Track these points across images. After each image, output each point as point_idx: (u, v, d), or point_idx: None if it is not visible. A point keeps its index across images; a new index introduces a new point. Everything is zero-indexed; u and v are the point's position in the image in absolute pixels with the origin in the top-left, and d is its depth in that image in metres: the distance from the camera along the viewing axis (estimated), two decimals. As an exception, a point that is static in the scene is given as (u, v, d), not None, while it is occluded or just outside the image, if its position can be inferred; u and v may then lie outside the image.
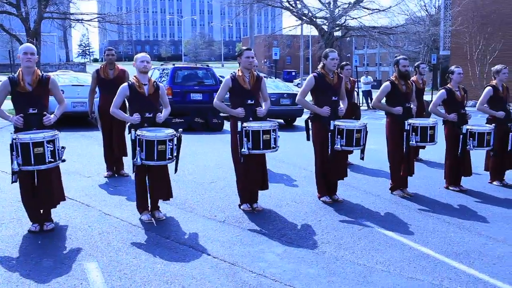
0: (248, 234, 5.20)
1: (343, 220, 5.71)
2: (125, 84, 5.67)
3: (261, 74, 6.43)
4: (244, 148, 5.63)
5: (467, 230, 5.47)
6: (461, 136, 6.95)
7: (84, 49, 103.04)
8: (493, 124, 7.23)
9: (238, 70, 5.99)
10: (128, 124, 5.58)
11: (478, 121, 7.71)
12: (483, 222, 5.79)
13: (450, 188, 7.29)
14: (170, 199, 5.79)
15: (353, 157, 8.79)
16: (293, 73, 64.65)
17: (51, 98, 5.36)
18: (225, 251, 4.71)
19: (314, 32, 30.53)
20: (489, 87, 7.52)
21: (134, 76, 5.65)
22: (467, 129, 6.95)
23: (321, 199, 6.44)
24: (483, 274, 4.29)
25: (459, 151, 7.00)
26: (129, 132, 5.41)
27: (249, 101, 5.85)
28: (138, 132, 5.29)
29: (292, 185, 7.37)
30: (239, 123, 5.66)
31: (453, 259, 4.63)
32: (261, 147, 5.65)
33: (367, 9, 28.04)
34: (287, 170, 8.38)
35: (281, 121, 16.37)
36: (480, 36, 27.61)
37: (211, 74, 14.62)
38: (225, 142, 6.08)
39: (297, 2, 29.00)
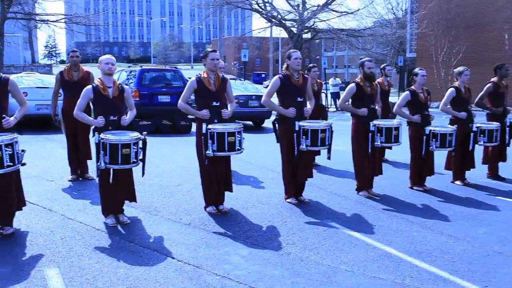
0: (213, 237, 5.18)
1: (309, 221, 5.74)
2: (89, 86, 5.58)
3: (229, 76, 6.44)
4: (209, 150, 5.60)
5: (429, 229, 5.57)
6: (425, 137, 7.08)
7: (50, 50, 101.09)
8: (455, 125, 7.39)
9: (204, 71, 5.97)
10: (93, 127, 5.50)
11: (443, 122, 7.86)
12: (445, 221, 5.90)
13: (414, 188, 7.41)
14: (134, 203, 5.73)
15: (320, 159, 8.86)
16: (263, 75, 64.92)
17: (13, 100, 5.25)
18: (189, 254, 4.67)
19: (284, 34, 30.69)
20: (452, 89, 7.68)
21: (99, 79, 5.56)
22: (430, 130, 7.08)
23: (287, 200, 6.46)
24: (444, 272, 4.37)
25: (423, 152, 7.13)
26: (93, 135, 5.33)
27: (214, 103, 5.83)
28: (102, 135, 5.21)
29: (258, 187, 7.37)
30: (204, 125, 5.63)
31: (415, 257, 4.70)
32: (226, 149, 5.64)
33: (336, 11, 28.33)
34: (254, 172, 8.39)
35: (250, 122, 16.40)
36: (445, 39, 28.22)
37: (179, 76, 14.54)
38: (193, 144, 6.03)
39: (267, 4, 29.11)
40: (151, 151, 10.23)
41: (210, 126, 5.63)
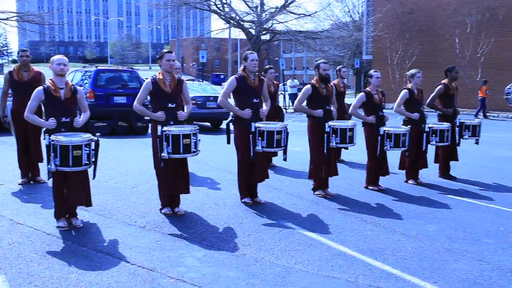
0: (168, 239, 5.12)
1: (265, 222, 5.76)
2: (40, 87, 5.42)
3: (187, 77, 6.39)
4: (164, 153, 5.54)
5: (382, 227, 5.68)
6: (379, 137, 7.22)
7: (1, 49, 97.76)
8: (409, 126, 7.57)
9: (159, 73, 5.90)
10: (44, 129, 5.34)
11: (397, 123, 8.03)
12: (398, 219, 6.03)
13: (369, 187, 7.55)
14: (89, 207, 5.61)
15: (277, 160, 8.91)
16: (222, 76, 64.72)
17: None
18: (143, 257, 4.60)
19: (243, 35, 30.72)
20: (405, 90, 7.86)
21: (50, 79, 5.41)
22: (385, 131, 7.23)
23: (243, 200, 6.46)
24: (396, 269, 4.46)
25: (378, 152, 7.26)
26: (45, 137, 5.18)
27: (169, 105, 5.77)
28: (53, 137, 5.08)
29: (215, 188, 7.35)
30: (159, 127, 5.57)
31: (369, 256, 4.78)
32: (181, 152, 5.59)
33: (294, 13, 28.62)
34: (211, 173, 8.35)
35: (208, 124, 16.34)
36: (399, 42, 28.89)
37: (136, 77, 14.34)
38: (149, 146, 5.97)
39: (225, 5, 29.09)
40: (107, 152, 10.11)
41: (165, 128, 5.57)
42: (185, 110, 5.95)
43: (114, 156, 9.89)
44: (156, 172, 5.91)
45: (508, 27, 24.44)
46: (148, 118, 5.92)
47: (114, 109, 13.41)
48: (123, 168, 8.62)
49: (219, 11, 28.98)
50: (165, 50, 5.99)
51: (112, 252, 4.72)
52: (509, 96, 8.99)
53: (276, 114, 8.90)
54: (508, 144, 13.35)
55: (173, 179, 5.82)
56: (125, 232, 5.29)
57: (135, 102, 5.87)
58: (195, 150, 5.71)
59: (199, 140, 5.80)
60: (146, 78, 6.09)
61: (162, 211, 5.94)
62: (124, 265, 4.44)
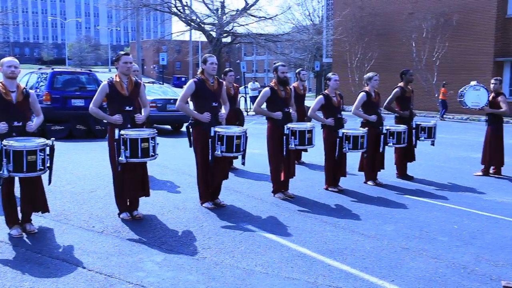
0: (127, 244, 5.04)
1: (225, 225, 5.74)
2: None
3: (148, 79, 6.31)
4: (122, 157, 5.45)
5: (342, 228, 5.75)
6: (338, 139, 7.32)
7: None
8: (366, 128, 7.71)
9: (116, 75, 5.80)
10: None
11: (356, 125, 8.15)
12: (357, 220, 6.12)
13: (329, 189, 7.64)
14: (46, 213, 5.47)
15: (237, 162, 8.89)
16: (183, 79, 64.34)
17: None
18: (101, 263, 4.51)
19: (204, 38, 30.58)
20: (362, 93, 8.00)
21: (0, 82, 5.23)
22: (343, 133, 7.33)
23: (203, 205, 6.43)
24: (354, 269, 4.53)
25: (336, 154, 7.36)
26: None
27: (127, 108, 5.69)
28: (5, 142, 4.91)
29: (175, 192, 7.28)
30: (116, 131, 5.48)
31: (328, 256, 4.83)
32: (140, 156, 5.51)
33: (254, 16, 28.66)
34: (171, 177, 8.28)
35: (168, 127, 16.20)
36: (358, 45, 29.37)
37: (94, 79, 14.07)
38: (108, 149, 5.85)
39: (185, 7, 28.90)
40: (64, 156, 9.88)
41: (123, 132, 5.49)
42: (143, 113, 5.87)
43: (71, 160, 9.68)
44: (113, 176, 5.81)
45: (461, 32, 25.22)
46: (107, 121, 5.82)
47: (71, 112, 13.12)
48: (81, 172, 8.44)
49: (179, 13, 28.76)
50: (122, 52, 5.88)
51: (68, 259, 4.61)
52: (463, 99, 9.24)
53: (236, 117, 8.90)
54: (462, 145, 13.76)
55: (131, 183, 5.73)
56: (83, 238, 5.18)
57: (91, 105, 5.76)
58: (153, 154, 5.64)
59: (158, 143, 5.74)
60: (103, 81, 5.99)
61: (121, 216, 5.84)
62: (81, 271, 4.34)
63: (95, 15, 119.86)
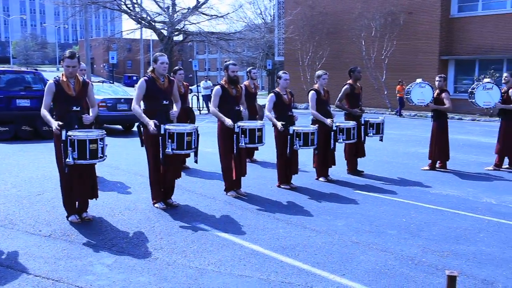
0: (76, 247, 4.91)
1: (177, 225, 5.69)
2: None
3: (98, 78, 6.15)
4: (69, 158, 5.30)
5: (294, 224, 5.81)
6: (289, 136, 7.38)
7: None
8: (317, 125, 7.80)
9: (63, 74, 5.63)
10: None
11: (307, 122, 8.21)
12: (309, 216, 6.20)
13: (282, 186, 7.69)
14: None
15: (190, 161, 8.83)
16: (134, 78, 63.32)
17: None
18: (48, 268, 4.38)
19: (155, 36, 30.17)
20: (312, 92, 8.09)
21: None
22: (294, 130, 7.40)
23: (155, 205, 6.35)
24: (306, 265, 4.58)
25: (288, 151, 7.42)
26: None
27: (74, 108, 5.53)
28: None
29: (126, 193, 7.16)
30: (63, 132, 5.32)
31: (280, 253, 4.87)
32: (88, 157, 5.37)
33: (206, 15, 28.49)
34: (122, 177, 8.13)
35: (119, 126, 15.91)
36: (310, 44, 29.75)
37: (40, 79, 13.64)
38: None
39: (135, 5, 28.41)
40: (9, 159, 9.55)
41: (70, 133, 5.33)
42: (91, 114, 5.72)
43: (17, 162, 9.35)
44: (60, 178, 5.64)
45: (408, 32, 25.94)
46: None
47: (16, 112, 12.66)
48: (26, 175, 8.17)
49: (129, 11, 28.23)
50: (66, 54, 5.65)
51: (13, 265, 4.44)
52: (409, 96, 9.51)
53: (187, 115, 8.83)
54: (410, 140, 14.17)
55: (79, 185, 5.58)
56: (29, 243, 5.01)
57: (42, 108, 5.57)
58: (102, 155, 5.50)
59: (107, 145, 5.62)
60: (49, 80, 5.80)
61: (69, 219, 5.69)
62: (27, 277, 4.20)
63: (41, 12, 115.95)
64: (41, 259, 4.58)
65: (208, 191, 7.35)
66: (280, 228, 5.67)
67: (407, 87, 9.68)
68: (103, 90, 15.40)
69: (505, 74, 9.54)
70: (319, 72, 8.23)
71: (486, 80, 9.84)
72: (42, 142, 12.24)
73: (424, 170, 9.39)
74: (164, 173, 6.23)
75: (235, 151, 6.78)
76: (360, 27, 26.67)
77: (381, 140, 8.90)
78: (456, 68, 26.01)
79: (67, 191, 5.62)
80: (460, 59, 25.63)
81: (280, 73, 7.75)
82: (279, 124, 7.35)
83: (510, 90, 9.28)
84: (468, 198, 7.23)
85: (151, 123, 5.95)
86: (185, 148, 6.08)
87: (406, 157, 10.98)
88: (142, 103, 6.29)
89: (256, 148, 9.06)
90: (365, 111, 9.03)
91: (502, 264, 4.66)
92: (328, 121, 7.89)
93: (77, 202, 5.72)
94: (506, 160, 9.65)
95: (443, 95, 9.27)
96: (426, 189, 7.82)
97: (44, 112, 5.52)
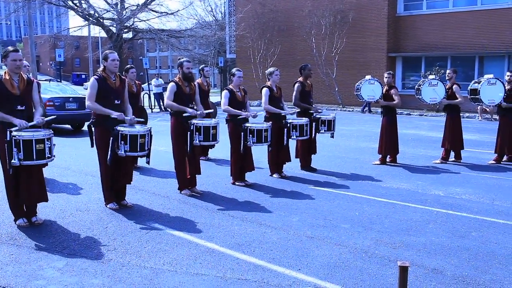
0: (24, 252, 4.74)
1: (131, 225, 5.59)
2: None
3: (45, 77, 5.93)
4: (14, 159, 5.10)
5: (249, 221, 5.82)
6: (242, 133, 7.38)
7: None
8: (270, 122, 7.84)
9: (5, 72, 5.41)
10: None
11: (261, 119, 8.24)
12: (264, 212, 6.22)
13: (236, 183, 7.69)
14: None
15: (142, 161, 8.69)
16: (83, 76, 61.83)
17: None
18: (-5, 274, 4.21)
19: (104, 33, 29.51)
20: (265, 88, 8.12)
21: None
22: (247, 127, 7.41)
23: (107, 206, 6.21)
24: (262, 261, 4.60)
25: (241, 147, 7.42)
26: None
27: (19, 107, 5.32)
28: None
29: (77, 193, 6.97)
30: (8, 132, 5.11)
31: (236, 250, 4.87)
32: (34, 158, 5.18)
33: (155, 12, 28.13)
34: (73, 178, 7.91)
35: (68, 126, 15.48)
36: (261, 41, 29.84)
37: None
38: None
39: (82, 1, 27.69)
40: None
41: (15, 133, 5.13)
42: (37, 114, 5.47)
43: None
44: (5, 180, 5.42)
45: (357, 29, 26.45)
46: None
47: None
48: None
49: (75, 7, 27.50)
50: (10, 49, 5.45)
51: (-43, 272, 4.25)
52: (359, 92, 9.71)
53: (140, 115, 8.67)
54: (361, 136, 14.47)
55: (26, 187, 5.38)
56: (-27, 248, 4.80)
57: None
58: (49, 155, 5.31)
59: (55, 144, 5.44)
60: None
61: (17, 223, 5.48)
62: (-28, 284, 4.02)
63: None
64: (-13, 265, 4.40)
65: (161, 190, 7.26)
66: (235, 225, 5.66)
67: (357, 83, 9.87)
68: (50, 89, 14.92)
69: (448, 71, 9.89)
70: (270, 69, 8.27)
71: (431, 76, 10.16)
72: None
73: (375, 164, 9.60)
74: (116, 179, 6.09)
75: (189, 149, 6.72)
76: (310, 25, 26.98)
77: (332, 136, 9.02)
78: (403, 64, 26.74)
79: (13, 194, 5.40)
80: (407, 56, 26.37)
81: (234, 70, 7.73)
82: (244, 114, 7.34)
83: (454, 86, 9.62)
84: (417, 191, 7.45)
85: (115, 114, 5.83)
86: (138, 150, 5.94)
87: (357, 152, 11.20)
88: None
89: (212, 146, 9.00)
90: (320, 110, 9.09)
91: (450, 254, 4.83)
92: (283, 113, 7.95)
93: (25, 206, 5.52)
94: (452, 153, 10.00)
95: (392, 91, 9.51)
96: (377, 183, 8.00)
97: None
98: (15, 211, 5.50)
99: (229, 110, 7.43)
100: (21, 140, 5.10)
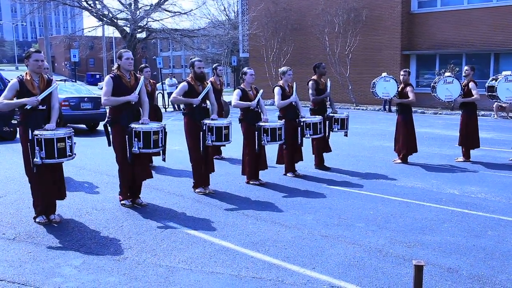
0: (42, 250, 4.81)
1: (146, 224, 5.64)
2: None
3: (60, 77, 6.01)
4: (37, 158, 5.18)
5: (263, 220, 5.83)
6: (256, 132, 7.40)
7: None
8: (283, 120, 7.85)
9: (26, 73, 5.49)
10: None
11: (275, 118, 8.23)
12: (278, 211, 6.23)
13: (250, 182, 7.71)
14: None
15: (157, 160, 8.75)
16: (97, 76, 62.25)
17: None
18: (14, 271, 4.27)
19: (117, 33, 29.71)
20: (277, 87, 8.12)
21: None
22: (261, 126, 7.42)
23: (122, 202, 6.28)
24: (276, 259, 4.61)
25: (256, 147, 7.44)
26: None
27: (40, 107, 5.41)
28: None
29: (93, 192, 7.04)
30: (29, 131, 5.20)
31: (251, 249, 4.88)
32: (56, 156, 5.27)
33: (169, 11, 28.24)
34: (89, 177, 7.99)
35: (83, 126, 15.62)
36: (274, 40, 29.82)
37: (-1, 78, 13.23)
38: (18, 152, 5.54)
39: (96, 2, 27.89)
40: (-33, 161, 9.22)
41: (36, 132, 5.22)
42: (53, 114, 5.55)
43: (-23, 164, 9.07)
44: (29, 179, 5.53)
45: (370, 27, 26.32)
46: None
47: (-25, 113, 12.25)
48: (-12, 177, 7.94)
49: (90, 7, 27.71)
50: (32, 49, 5.55)
51: (-24, 269, 4.32)
52: (374, 89, 9.67)
53: (155, 113, 8.74)
54: (375, 134, 14.40)
55: (47, 185, 5.47)
56: (-8, 246, 4.88)
57: (0, 98, 5.41)
58: (71, 154, 5.41)
59: (75, 143, 5.53)
60: (12, 79, 5.64)
61: (37, 220, 5.57)
62: (-8, 281, 4.09)
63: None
64: (6, 263, 4.46)
65: (176, 189, 7.30)
66: (249, 224, 5.68)
67: (373, 81, 9.82)
68: (65, 89, 15.08)
69: (466, 67, 9.78)
70: (283, 69, 8.27)
71: (447, 74, 10.08)
72: (2, 143, 11.90)
73: (396, 163, 9.52)
74: (134, 174, 6.15)
75: (201, 149, 6.76)
76: (324, 23, 26.88)
77: (345, 135, 9.00)
78: (417, 62, 26.55)
79: (36, 192, 5.50)
80: (421, 54, 26.17)
81: (245, 69, 7.75)
82: (251, 103, 7.37)
83: (470, 83, 9.53)
84: (432, 190, 7.40)
85: (129, 97, 5.92)
86: (152, 146, 6.01)
87: (371, 151, 11.15)
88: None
89: (224, 145, 9.03)
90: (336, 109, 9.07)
91: (466, 253, 4.80)
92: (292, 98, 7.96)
93: (46, 203, 5.59)
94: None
95: (408, 88, 9.45)
96: (392, 181, 7.97)
97: (3, 101, 5.34)
98: (37, 208, 5.60)
99: (239, 104, 7.45)
100: (42, 139, 5.20)
